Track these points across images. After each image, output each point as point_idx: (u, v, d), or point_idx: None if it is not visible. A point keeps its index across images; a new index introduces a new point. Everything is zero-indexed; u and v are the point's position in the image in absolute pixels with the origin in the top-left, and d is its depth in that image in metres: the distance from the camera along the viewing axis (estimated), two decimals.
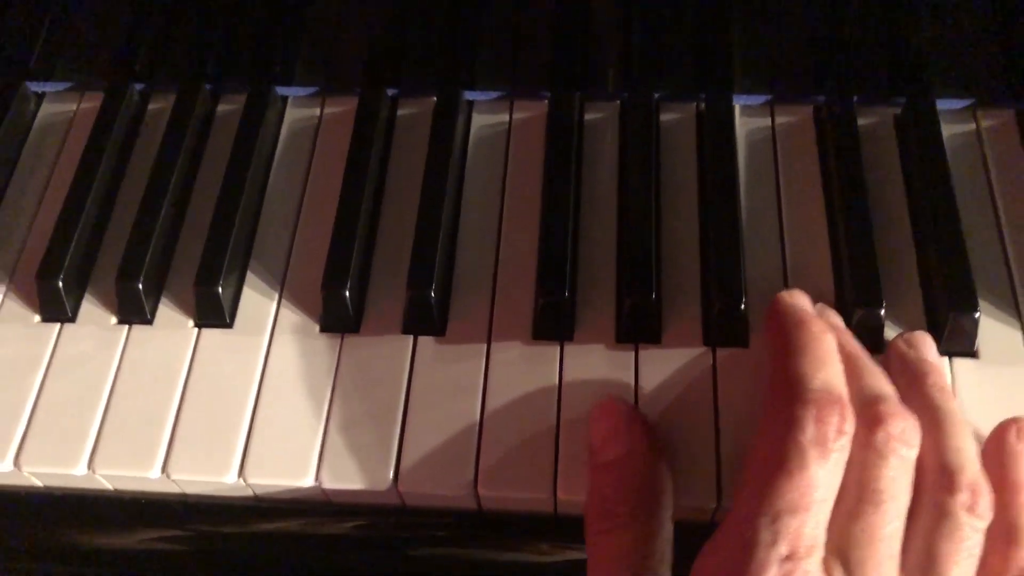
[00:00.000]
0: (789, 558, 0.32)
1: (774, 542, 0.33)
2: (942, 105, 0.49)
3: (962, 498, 0.34)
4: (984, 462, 0.36)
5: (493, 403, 0.42)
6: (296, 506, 0.43)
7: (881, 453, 0.34)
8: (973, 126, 0.49)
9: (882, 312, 0.42)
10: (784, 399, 0.35)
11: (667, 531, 0.37)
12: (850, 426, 0.34)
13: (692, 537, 0.36)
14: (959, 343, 0.42)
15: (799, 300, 0.40)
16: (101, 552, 0.44)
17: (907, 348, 0.40)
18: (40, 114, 0.54)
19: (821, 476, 0.33)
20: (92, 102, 0.53)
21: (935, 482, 0.35)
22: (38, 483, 0.44)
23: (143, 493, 0.44)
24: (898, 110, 0.50)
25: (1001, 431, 0.38)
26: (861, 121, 0.49)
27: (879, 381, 0.37)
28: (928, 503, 0.35)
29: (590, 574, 0.37)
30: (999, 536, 0.35)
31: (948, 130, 0.48)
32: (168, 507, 0.44)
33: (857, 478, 0.34)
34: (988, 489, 0.35)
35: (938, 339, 0.42)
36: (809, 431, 0.34)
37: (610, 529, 0.37)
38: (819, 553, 0.33)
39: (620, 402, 0.40)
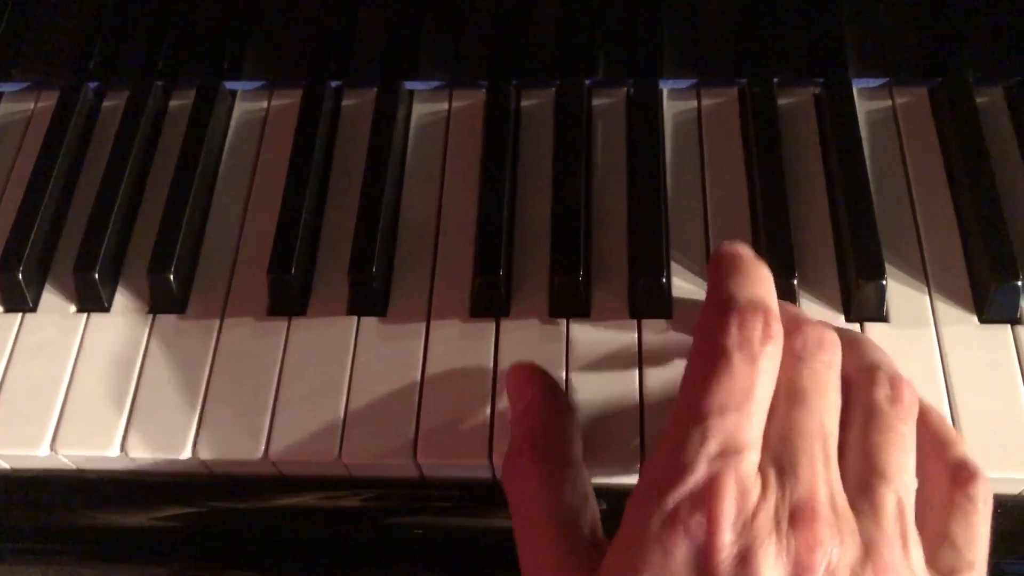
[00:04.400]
0: (719, 456, 0.32)
1: (703, 441, 0.32)
2: (860, 84, 0.52)
3: (884, 391, 0.36)
4: None
5: (432, 378, 0.45)
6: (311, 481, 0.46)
7: (801, 357, 0.35)
8: (889, 103, 0.52)
9: (795, 282, 0.45)
10: (712, 315, 0.35)
11: (579, 475, 0.38)
12: (777, 332, 0.35)
13: None
14: (869, 309, 0.45)
15: (740, 247, 0.40)
16: (115, 531, 0.47)
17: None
18: None
19: (749, 377, 0.33)
20: (48, 101, 0.55)
21: (859, 383, 0.36)
22: (5, 465, 0.46)
23: (153, 473, 0.46)
24: (818, 89, 0.52)
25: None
26: (783, 101, 0.52)
27: (803, 312, 0.39)
28: (855, 404, 0.36)
29: (512, 517, 0.38)
30: (927, 447, 0.37)
31: (864, 107, 0.51)
32: (178, 485, 0.46)
33: (784, 384, 0.35)
34: (910, 385, 0.36)
35: (849, 306, 0.45)
36: (733, 335, 0.34)
37: (515, 474, 0.38)
38: (753, 455, 0.33)
39: (523, 364, 0.42)
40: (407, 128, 0.53)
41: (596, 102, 0.53)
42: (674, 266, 0.47)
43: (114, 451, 0.44)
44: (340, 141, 0.53)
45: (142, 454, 0.44)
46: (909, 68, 0.52)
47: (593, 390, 0.44)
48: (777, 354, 0.35)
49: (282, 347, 0.46)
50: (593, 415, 0.43)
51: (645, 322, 0.45)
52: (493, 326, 0.46)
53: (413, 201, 0.50)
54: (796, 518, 0.32)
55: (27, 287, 0.48)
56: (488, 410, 0.44)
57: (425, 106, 0.53)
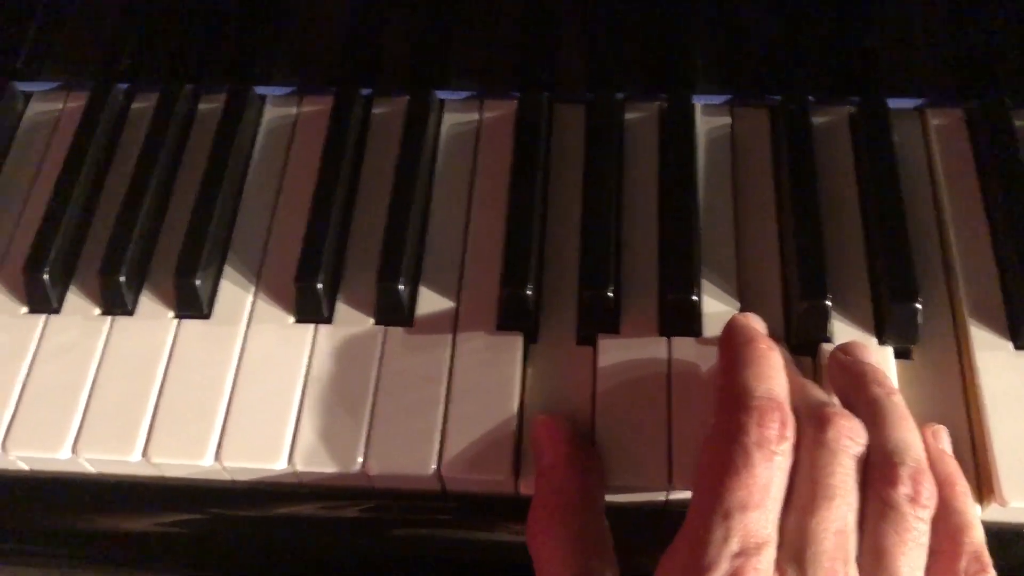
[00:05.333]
0: (740, 554, 0.34)
1: (725, 539, 0.34)
2: (895, 104, 0.51)
3: (904, 490, 0.36)
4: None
5: (458, 390, 0.44)
6: (318, 490, 0.45)
7: (832, 450, 0.36)
8: (923, 125, 0.51)
9: (828, 304, 0.44)
10: (730, 409, 0.37)
11: (602, 532, 0.40)
12: (791, 432, 0.36)
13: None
14: (901, 332, 0.44)
15: (752, 321, 0.42)
16: (119, 535, 0.46)
17: (843, 355, 0.41)
18: (27, 113, 0.56)
19: (767, 475, 0.35)
20: (78, 101, 0.55)
21: (878, 476, 0.36)
22: (24, 467, 0.46)
23: (162, 478, 0.46)
24: (853, 109, 0.52)
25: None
26: (817, 120, 0.51)
27: (821, 392, 0.39)
28: (874, 498, 0.36)
29: (536, 572, 0.39)
30: (943, 528, 0.37)
31: (899, 128, 0.50)
32: (184, 491, 0.46)
33: (809, 476, 0.36)
34: (930, 478, 0.36)
35: (882, 330, 0.44)
36: (753, 434, 0.35)
37: (538, 530, 0.40)
38: (770, 551, 0.34)
39: (547, 419, 0.42)
40: (437, 137, 0.52)
41: (628, 115, 0.52)
42: (704, 284, 0.46)
43: (135, 456, 0.44)
44: (369, 149, 0.52)
45: (164, 459, 0.44)
46: (945, 89, 0.51)
47: (621, 409, 0.43)
48: (790, 451, 0.36)
49: (308, 354, 0.45)
50: (622, 432, 0.42)
51: (675, 340, 0.45)
52: (520, 340, 0.45)
53: (442, 211, 0.50)
54: None
55: (52, 288, 0.48)
56: (515, 426, 0.43)
57: (456, 116, 0.53)
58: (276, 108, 0.54)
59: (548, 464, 0.41)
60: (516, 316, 0.46)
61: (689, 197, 0.48)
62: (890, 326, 0.44)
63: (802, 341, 0.45)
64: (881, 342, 0.44)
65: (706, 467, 0.36)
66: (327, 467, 0.43)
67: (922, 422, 0.40)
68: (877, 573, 0.35)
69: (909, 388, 0.43)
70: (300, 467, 0.43)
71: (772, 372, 0.38)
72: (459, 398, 0.44)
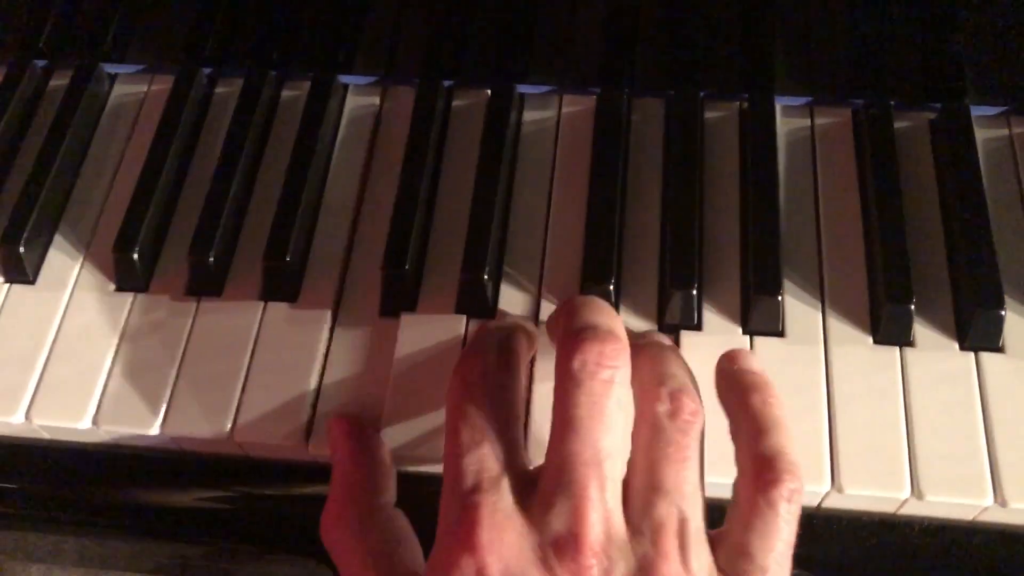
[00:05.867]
0: (473, 490, 0.35)
1: (456, 479, 0.35)
2: (977, 111, 0.51)
3: (664, 406, 0.36)
4: (720, 395, 0.40)
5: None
6: None
7: (577, 379, 0.36)
8: (1007, 132, 0.51)
9: (912, 308, 0.44)
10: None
11: (389, 520, 0.41)
12: (514, 361, 0.39)
13: None
14: (986, 339, 0.44)
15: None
16: (152, 507, 0.48)
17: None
18: (113, 95, 0.56)
19: (486, 409, 0.37)
20: (162, 84, 0.56)
21: (641, 399, 0.38)
22: (108, 440, 0.47)
23: (201, 454, 0.47)
24: (934, 115, 0.52)
25: (718, 364, 0.41)
26: (898, 124, 0.51)
27: (594, 316, 0.38)
28: (641, 422, 0.37)
29: (336, 567, 0.40)
30: (745, 437, 0.37)
31: (981, 135, 0.51)
32: (222, 466, 0.47)
33: (558, 410, 0.36)
34: (692, 396, 0.37)
35: (966, 334, 0.45)
36: (468, 366, 0.38)
37: (327, 526, 0.41)
38: (505, 483, 0.35)
39: (336, 420, 0.43)
40: (518, 130, 0.53)
41: (708, 114, 0.53)
42: (786, 284, 0.46)
43: (223, 434, 0.44)
44: (450, 141, 0.53)
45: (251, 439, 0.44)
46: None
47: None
48: (512, 379, 0.38)
49: (394, 343, 0.46)
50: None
51: (757, 338, 0.45)
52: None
53: (523, 204, 0.50)
54: (560, 549, 0.33)
55: (141, 267, 0.49)
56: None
57: (536, 111, 0.54)
58: (359, 97, 0.55)
59: (335, 462, 0.42)
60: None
61: (772, 197, 0.48)
62: (973, 331, 0.44)
63: (885, 342, 0.45)
64: (963, 347, 0.45)
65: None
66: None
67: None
68: (647, 491, 0.35)
69: (1003, 383, 0.44)
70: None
71: (496, 328, 0.41)
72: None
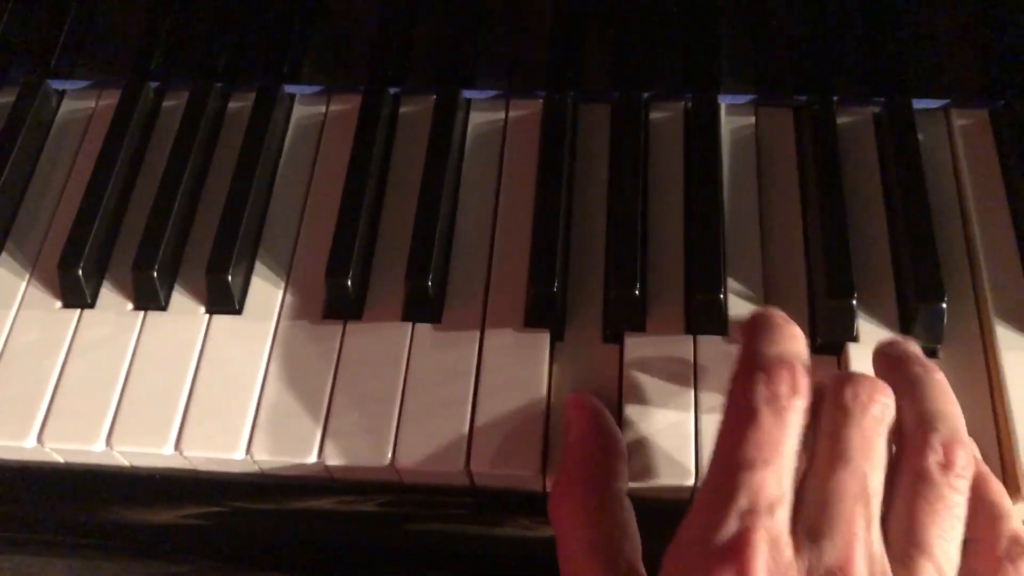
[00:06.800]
0: (750, 512, 0.32)
1: (732, 496, 0.33)
2: (919, 105, 0.51)
3: (934, 457, 0.34)
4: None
5: (486, 387, 0.45)
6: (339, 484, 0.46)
7: (849, 411, 0.35)
8: (948, 125, 0.52)
9: (853, 303, 0.44)
10: (741, 374, 0.36)
11: (622, 509, 0.39)
12: (804, 390, 0.35)
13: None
14: (929, 332, 0.45)
15: (773, 311, 0.40)
16: (140, 527, 0.47)
17: (887, 345, 0.41)
18: (60, 111, 0.56)
19: (777, 432, 0.34)
20: (110, 100, 0.56)
21: (909, 443, 0.35)
22: (59, 459, 0.47)
23: (189, 471, 0.47)
24: (877, 110, 0.52)
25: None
26: (841, 120, 0.51)
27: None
28: (905, 467, 0.35)
29: (557, 545, 0.39)
30: (979, 516, 0.36)
31: (924, 129, 0.51)
32: (210, 484, 0.47)
33: (827, 437, 0.35)
34: (966, 447, 0.35)
35: (908, 330, 0.45)
36: (760, 391, 0.34)
37: (559, 503, 0.40)
38: (783, 511, 0.33)
39: (577, 394, 0.43)
40: (464, 136, 0.53)
41: (653, 115, 0.53)
42: (730, 282, 0.46)
43: (168, 449, 0.44)
44: (397, 147, 0.53)
45: (197, 453, 0.44)
46: (969, 90, 0.52)
47: (648, 405, 0.44)
48: (803, 407, 0.35)
49: (337, 351, 0.46)
50: (646, 430, 0.43)
51: (700, 338, 0.45)
52: (547, 337, 0.46)
53: (469, 209, 0.50)
54: None
55: (86, 284, 0.48)
56: (542, 422, 0.44)
57: (482, 115, 0.54)
58: (305, 106, 0.55)
59: (574, 437, 0.41)
60: (543, 314, 0.46)
61: (715, 196, 0.48)
62: (916, 326, 0.44)
63: (827, 341, 0.45)
64: None
65: (719, 436, 0.35)
66: (357, 461, 0.44)
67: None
68: (908, 543, 0.34)
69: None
70: (330, 462, 0.44)
71: (785, 338, 0.37)
72: (487, 395, 0.44)
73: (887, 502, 0.35)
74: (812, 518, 0.33)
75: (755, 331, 0.38)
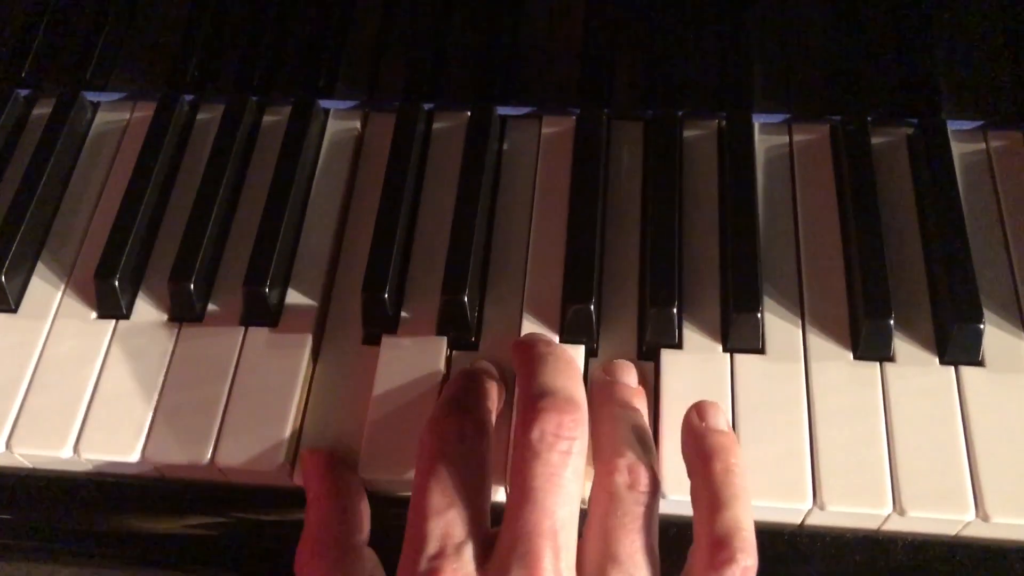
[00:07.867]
0: (437, 555, 0.35)
1: (424, 544, 0.36)
2: (953, 126, 0.51)
3: (623, 478, 0.37)
4: (684, 451, 0.40)
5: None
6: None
7: (535, 451, 0.36)
8: (983, 146, 0.52)
9: (891, 323, 0.44)
10: (433, 422, 0.40)
11: (361, 561, 0.41)
12: (472, 428, 0.39)
13: None
14: (965, 353, 0.45)
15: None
16: (136, 535, 0.47)
17: (602, 374, 0.43)
18: (95, 122, 0.57)
19: (455, 473, 0.37)
20: (144, 112, 0.56)
21: (601, 468, 0.38)
22: (90, 468, 0.47)
23: (190, 481, 0.47)
24: (911, 130, 0.52)
25: (685, 418, 0.41)
26: (875, 140, 0.51)
27: (553, 380, 0.39)
28: (599, 489, 0.38)
29: None
30: (705, 507, 0.37)
31: (958, 149, 0.51)
32: (213, 494, 0.47)
33: (516, 481, 0.37)
34: (649, 468, 0.38)
35: (945, 349, 0.45)
36: (438, 435, 0.38)
37: (301, 563, 0.41)
38: (469, 550, 0.36)
39: (312, 453, 0.44)
40: (499, 151, 0.53)
41: (687, 133, 0.53)
42: (766, 300, 0.46)
43: (204, 459, 0.44)
44: (431, 162, 0.53)
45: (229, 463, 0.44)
46: (1005, 111, 0.52)
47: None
48: (476, 446, 0.38)
49: (373, 370, 0.46)
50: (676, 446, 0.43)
51: (737, 356, 0.45)
52: (580, 351, 0.46)
53: (504, 224, 0.50)
54: None
55: (122, 295, 0.49)
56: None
57: (516, 133, 0.54)
58: (339, 121, 0.55)
59: (312, 497, 0.42)
60: (581, 330, 0.46)
61: (750, 214, 0.48)
62: (953, 345, 0.44)
63: (865, 358, 0.45)
64: (943, 362, 0.45)
65: (413, 483, 0.38)
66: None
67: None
68: (603, 559, 0.36)
69: (983, 397, 0.43)
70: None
71: (473, 386, 0.41)
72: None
73: (587, 524, 0.37)
74: (502, 555, 0.35)
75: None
